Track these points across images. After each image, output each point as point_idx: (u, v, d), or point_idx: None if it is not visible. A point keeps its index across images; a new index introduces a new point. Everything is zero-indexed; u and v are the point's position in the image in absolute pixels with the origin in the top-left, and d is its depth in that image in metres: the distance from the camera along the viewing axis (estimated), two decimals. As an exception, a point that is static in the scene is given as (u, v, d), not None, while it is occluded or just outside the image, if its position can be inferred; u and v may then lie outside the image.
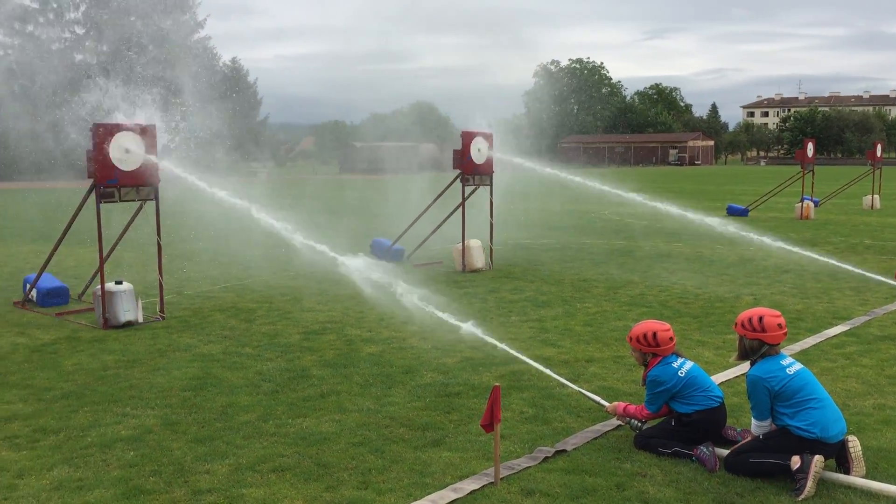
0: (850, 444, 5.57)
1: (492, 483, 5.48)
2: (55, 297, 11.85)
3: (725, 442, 6.11)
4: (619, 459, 5.92)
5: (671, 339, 6.31)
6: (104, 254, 10.75)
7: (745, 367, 6.09)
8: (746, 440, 5.84)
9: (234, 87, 70.38)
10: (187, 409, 7.10)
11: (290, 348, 9.24)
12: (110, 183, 10.31)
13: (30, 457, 6.04)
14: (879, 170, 31.01)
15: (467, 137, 14.91)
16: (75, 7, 65.96)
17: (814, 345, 9.30)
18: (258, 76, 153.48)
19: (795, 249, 14.64)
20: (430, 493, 5.35)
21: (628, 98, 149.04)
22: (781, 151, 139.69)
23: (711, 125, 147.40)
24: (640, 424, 6.27)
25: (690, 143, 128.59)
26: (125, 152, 10.35)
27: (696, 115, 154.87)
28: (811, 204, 26.92)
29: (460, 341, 9.38)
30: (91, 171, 10.29)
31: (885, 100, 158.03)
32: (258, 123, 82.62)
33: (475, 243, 15.19)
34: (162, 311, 11.05)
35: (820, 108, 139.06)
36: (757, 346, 5.79)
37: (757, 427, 5.78)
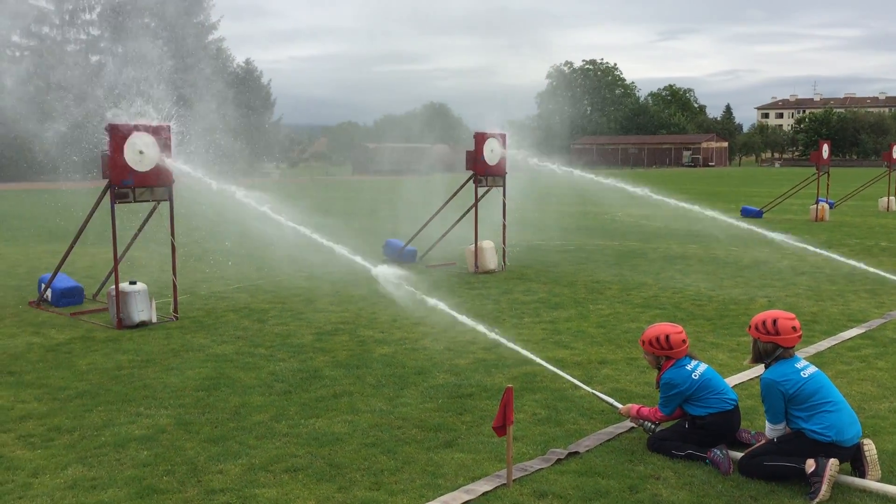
0: (866, 448, 5.53)
1: (504, 485, 5.47)
2: (70, 297, 11.92)
3: (739, 445, 6.08)
4: (633, 462, 5.90)
5: (684, 341, 6.27)
6: (118, 254, 10.80)
7: (759, 369, 6.06)
8: (761, 443, 5.80)
9: (247, 88, 70.60)
10: (200, 409, 7.12)
11: (303, 349, 9.26)
12: (125, 183, 10.37)
13: (44, 456, 6.07)
14: (895, 171, 30.78)
15: (480, 138, 14.90)
16: (90, 9, 66.38)
17: (829, 347, 9.24)
18: (272, 77, 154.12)
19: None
20: (442, 495, 5.34)
21: (642, 99, 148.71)
22: (796, 153, 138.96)
23: (725, 126, 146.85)
24: (653, 427, 6.25)
25: (704, 145, 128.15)
26: (139, 153, 10.41)
27: (710, 116, 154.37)
28: (826, 206, 26.76)
29: (473, 342, 9.38)
30: (106, 171, 10.35)
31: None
32: (272, 124, 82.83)
33: (488, 244, 15.18)
34: (176, 311, 11.10)
35: (835, 110, 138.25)
36: (771, 350, 5.75)
37: (771, 430, 5.74)
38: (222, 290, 13.29)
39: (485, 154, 14.92)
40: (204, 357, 8.93)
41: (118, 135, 10.22)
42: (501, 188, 15.57)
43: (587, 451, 6.11)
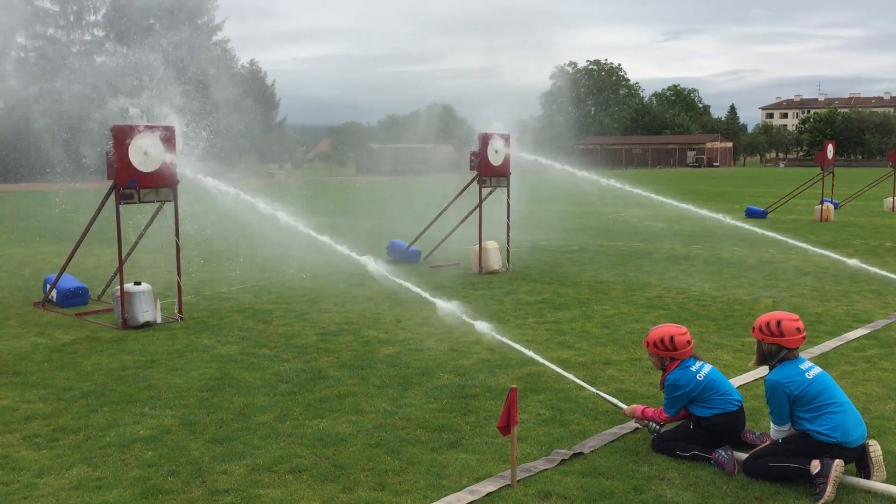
0: (871, 449, 5.51)
1: (508, 485, 5.47)
2: (75, 298, 11.95)
3: (744, 445, 6.07)
4: (637, 462, 5.90)
5: (689, 342, 6.27)
6: (123, 255, 10.82)
7: (763, 370, 6.05)
8: (765, 444, 5.79)
9: (252, 89, 70.69)
10: (205, 410, 7.13)
11: (307, 349, 9.27)
12: (130, 184, 10.39)
13: (49, 456, 6.09)
14: (900, 171, 30.70)
15: (484, 139, 14.90)
16: (95, 10, 66.55)
17: (833, 348, 9.22)
18: (276, 78, 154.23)
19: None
20: (446, 495, 5.34)
21: (646, 99, 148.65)
22: (801, 153, 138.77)
23: (730, 127, 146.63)
24: (658, 427, 6.24)
25: (709, 145, 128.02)
26: (144, 154, 10.42)
27: (715, 116, 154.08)
28: (831, 206, 26.72)
29: (477, 343, 9.38)
30: (111, 172, 10.37)
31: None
32: (276, 125, 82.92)
33: (492, 245, 15.18)
34: (180, 311, 11.12)
35: (840, 110, 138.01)
36: (775, 351, 5.74)
37: (776, 432, 5.73)
38: (227, 290, 13.30)
39: (489, 154, 14.91)
40: (208, 357, 8.94)
41: (123, 135, 10.24)
42: (506, 188, 15.56)
43: (591, 451, 6.10)
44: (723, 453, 5.75)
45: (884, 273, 13.66)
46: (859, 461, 5.53)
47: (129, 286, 10.49)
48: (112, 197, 10.55)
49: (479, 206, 15.38)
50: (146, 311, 10.52)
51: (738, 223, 15.58)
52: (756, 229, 15.93)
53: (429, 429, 6.60)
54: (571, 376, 7.49)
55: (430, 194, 22.50)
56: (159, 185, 10.66)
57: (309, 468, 5.81)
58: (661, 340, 6.23)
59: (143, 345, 9.56)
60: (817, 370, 5.72)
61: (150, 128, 10.50)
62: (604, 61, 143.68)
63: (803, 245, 15.23)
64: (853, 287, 13.15)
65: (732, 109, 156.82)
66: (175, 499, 5.34)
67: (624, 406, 6.63)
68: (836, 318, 10.83)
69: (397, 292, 12.17)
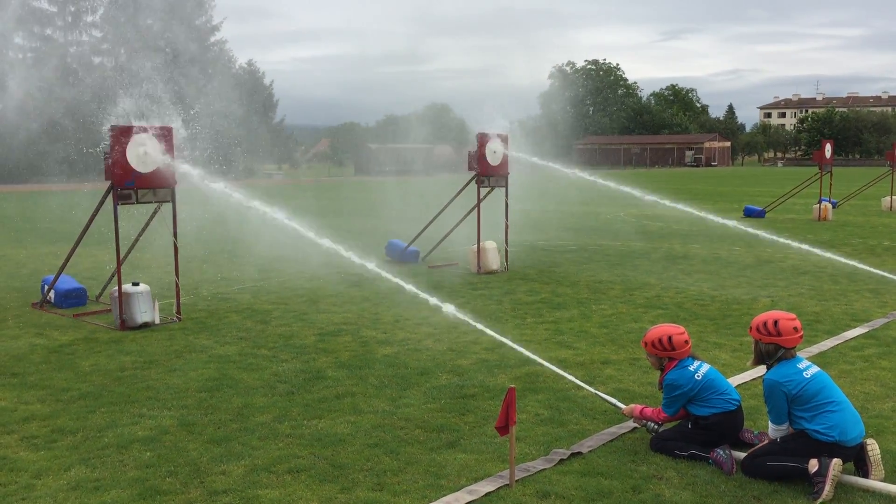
0: (869, 448, 5.52)
1: (507, 485, 5.47)
2: (73, 299, 11.94)
3: (742, 445, 6.07)
4: (635, 462, 5.90)
5: (686, 342, 6.27)
6: (121, 255, 10.81)
7: (761, 369, 6.05)
8: (764, 443, 5.80)
9: (250, 89, 70.66)
10: (203, 410, 7.13)
11: (306, 350, 9.26)
12: (128, 185, 10.38)
13: (47, 457, 6.08)
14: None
15: (482, 139, 14.90)
16: (93, 10, 66.48)
17: (832, 347, 9.23)
18: (274, 78, 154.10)
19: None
20: (445, 495, 5.34)
21: (644, 99, 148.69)
22: (799, 153, 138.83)
23: (728, 126, 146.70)
24: (656, 427, 6.24)
25: (707, 145, 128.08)
26: (142, 154, 10.41)
27: (713, 116, 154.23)
28: (829, 205, 26.75)
29: (475, 343, 9.38)
30: (108, 173, 10.36)
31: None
32: (274, 126, 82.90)
33: (491, 245, 15.18)
34: (178, 312, 11.11)
35: (838, 109, 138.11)
36: (773, 351, 5.75)
37: (774, 431, 5.73)
38: (225, 291, 13.29)
39: (487, 154, 14.91)
40: (207, 358, 8.93)
41: (121, 136, 10.23)
42: (504, 188, 15.56)
43: (590, 451, 6.10)
44: (721, 452, 5.75)
45: (881, 273, 13.67)
46: (857, 460, 5.54)
47: (127, 287, 10.48)
48: (110, 197, 10.54)
49: (478, 206, 15.37)
50: (144, 311, 10.51)
51: (725, 221, 15.53)
52: (733, 224, 15.93)
53: (427, 429, 6.60)
54: (570, 376, 7.49)
55: (428, 194, 22.50)
56: (157, 185, 10.65)
57: (307, 468, 5.80)
58: (659, 340, 6.23)
59: (141, 345, 9.55)
60: (815, 369, 5.72)
61: (149, 128, 10.49)
62: (602, 61, 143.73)
63: (782, 240, 15.21)
64: (851, 286, 13.16)
65: (731, 109, 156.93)
66: (173, 499, 5.34)
67: (622, 406, 6.64)
68: (834, 317, 10.84)
69: (395, 292, 12.18)
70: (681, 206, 15.94)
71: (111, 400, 7.44)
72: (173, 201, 10.89)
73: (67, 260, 11.75)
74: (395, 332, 10.14)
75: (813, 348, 9.11)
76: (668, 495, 5.33)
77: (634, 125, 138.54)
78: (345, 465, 5.85)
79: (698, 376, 6.12)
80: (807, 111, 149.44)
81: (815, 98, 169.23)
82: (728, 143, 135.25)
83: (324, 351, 9.19)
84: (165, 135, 10.63)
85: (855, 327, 10.21)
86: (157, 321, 10.69)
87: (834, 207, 28.63)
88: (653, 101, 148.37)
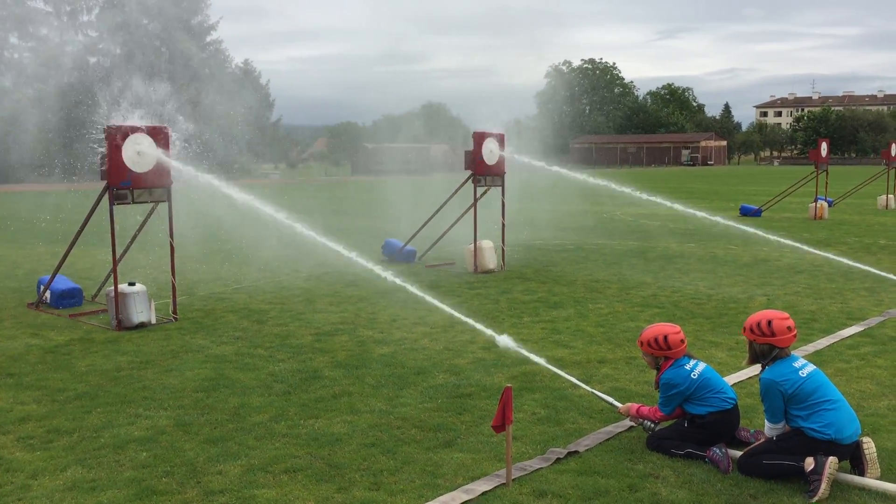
0: (865, 446, 5.53)
1: (503, 484, 5.47)
2: (69, 299, 11.92)
3: (738, 443, 6.08)
4: (632, 461, 5.90)
5: (682, 341, 6.27)
6: (117, 255, 10.80)
7: (757, 368, 6.06)
8: (760, 442, 5.81)
9: (246, 88, 70.55)
10: (200, 410, 7.12)
11: (303, 349, 9.26)
12: (123, 185, 10.36)
13: (43, 457, 6.07)
14: (894, 169, 30.80)
15: (479, 138, 14.90)
16: (88, 10, 66.34)
17: (828, 345, 9.24)
18: (270, 78, 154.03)
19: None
20: (441, 495, 5.34)
21: (640, 98, 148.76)
22: (795, 151, 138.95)
23: (724, 125, 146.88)
24: (652, 426, 6.25)
25: (703, 144, 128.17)
26: (138, 154, 10.40)
27: (709, 115, 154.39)
28: (825, 204, 26.79)
29: (472, 342, 9.39)
30: (104, 173, 10.34)
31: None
32: (271, 125, 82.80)
33: (487, 244, 15.18)
34: (175, 312, 11.10)
35: (834, 108, 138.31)
36: (767, 351, 5.75)
37: (770, 429, 5.74)
38: (221, 290, 13.28)
39: (483, 154, 14.92)
40: (203, 358, 8.92)
41: (116, 136, 10.21)
42: (500, 188, 15.57)
43: (586, 450, 6.11)
44: (717, 451, 5.76)
45: (877, 271, 13.70)
46: (853, 458, 5.55)
47: (123, 287, 10.47)
48: (106, 197, 10.52)
49: (474, 205, 15.38)
50: (140, 311, 10.50)
51: (719, 219, 15.57)
52: (721, 221, 15.94)
53: (424, 428, 6.60)
54: (567, 375, 7.49)
55: (424, 194, 22.50)
56: (153, 185, 10.63)
57: (304, 468, 5.80)
58: (655, 340, 6.24)
59: (137, 346, 9.54)
60: (811, 367, 5.73)
61: (144, 128, 10.47)
62: (598, 60, 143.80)
63: (769, 236, 15.23)
64: (847, 285, 13.19)
65: (727, 108, 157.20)
66: (170, 500, 5.33)
67: (619, 404, 6.64)
68: (830, 315, 10.86)
69: (392, 292, 12.18)
70: (664, 203, 15.94)
71: (107, 400, 7.43)
72: (169, 201, 10.88)
73: (63, 260, 11.72)
74: (392, 331, 10.14)
75: (809, 347, 9.13)
76: (664, 494, 5.34)
77: (631, 124, 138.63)
78: (341, 465, 5.85)
79: (694, 375, 6.13)
80: (803, 110, 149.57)
81: (811, 97, 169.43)
82: (724, 142, 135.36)
83: (320, 351, 9.19)
84: (161, 134, 10.62)
85: (851, 326, 10.23)
86: (154, 321, 10.68)
87: (830, 206, 28.67)
88: (649, 101, 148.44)
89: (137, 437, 6.47)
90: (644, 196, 15.55)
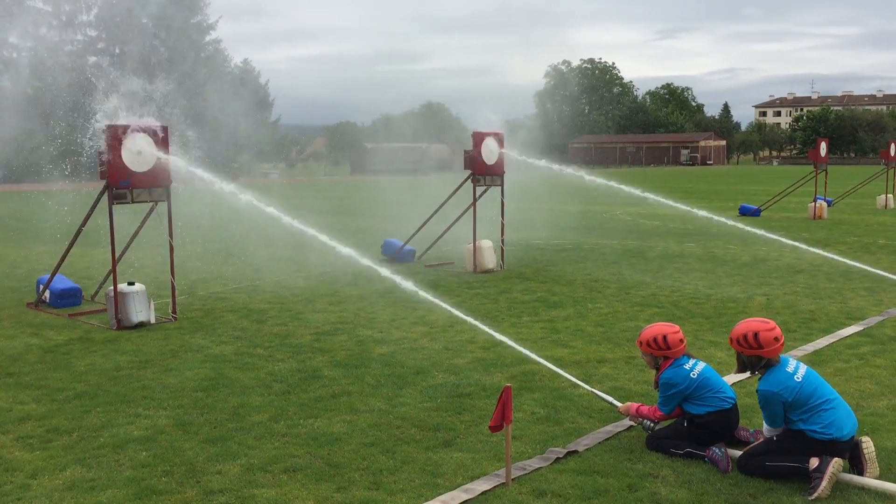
0: (864, 445, 5.52)
1: (503, 484, 5.47)
2: (68, 298, 11.91)
3: (738, 443, 6.08)
4: (632, 460, 5.90)
5: (682, 340, 6.27)
6: (116, 255, 10.79)
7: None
8: (759, 441, 5.80)
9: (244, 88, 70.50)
10: (199, 410, 7.12)
11: (302, 349, 9.25)
12: (122, 184, 10.36)
13: (43, 457, 6.07)
14: (893, 169, 30.82)
15: (478, 138, 14.90)
16: (87, 10, 66.31)
17: (827, 345, 9.24)
18: (270, 78, 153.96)
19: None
20: (441, 494, 5.34)
21: (640, 98, 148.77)
22: (794, 151, 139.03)
23: (723, 125, 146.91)
24: (652, 425, 6.25)
25: (702, 143, 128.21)
26: (137, 154, 10.39)
27: (708, 114, 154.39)
28: (824, 204, 26.79)
29: (471, 342, 9.39)
30: (103, 172, 10.34)
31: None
32: (270, 125, 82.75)
33: (486, 244, 15.18)
34: (174, 311, 11.09)
35: (833, 108, 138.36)
36: (756, 361, 5.73)
37: (769, 431, 5.74)
38: (221, 290, 13.28)
39: (483, 153, 14.92)
40: (202, 357, 8.92)
41: (116, 135, 10.21)
42: (500, 187, 15.56)
43: (586, 449, 6.11)
44: (717, 451, 5.76)
45: (876, 271, 13.70)
46: (852, 458, 5.54)
47: (122, 286, 10.47)
48: (105, 197, 10.52)
49: (474, 204, 15.38)
50: (140, 311, 10.49)
51: (715, 216, 15.56)
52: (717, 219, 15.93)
53: (423, 428, 6.60)
54: (566, 374, 7.50)
55: (424, 193, 22.50)
56: (152, 185, 10.63)
57: (303, 468, 5.80)
58: (654, 339, 6.24)
59: (136, 345, 9.54)
60: (803, 369, 5.70)
61: (143, 128, 10.46)
62: (598, 60, 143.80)
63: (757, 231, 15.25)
64: (846, 284, 13.19)
65: (726, 108, 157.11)
66: (169, 499, 5.33)
67: (619, 404, 6.64)
68: (829, 315, 10.86)
69: (391, 291, 12.19)
70: (666, 203, 15.96)
71: (107, 400, 7.43)
72: (168, 200, 10.88)
73: (62, 259, 11.72)
74: (391, 331, 10.14)
75: (808, 346, 9.13)
76: (664, 493, 5.34)
77: (630, 124, 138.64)
78: (341, 465, 5.85)
79: (694, 375, 6.13)
80: (802, 110, 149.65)
81: (810, 97, 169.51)
82: (723, 142, 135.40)
83: (320, 350, 9.19)
84: (160, 134, 10.61)
85: (850, 325, 10.23)
86: (153, 321, 10.67)
87: (829, 206, 28.68)
88: (648, 100, 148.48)
89: (137, 436, 6.47)
90: (653, 198, 15.55)
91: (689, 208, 16.07)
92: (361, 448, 6.16)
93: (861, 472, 5.48)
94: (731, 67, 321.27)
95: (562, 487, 5.43)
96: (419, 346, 9.35)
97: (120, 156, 10.24)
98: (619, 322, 10.59)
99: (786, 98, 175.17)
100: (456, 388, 7.65)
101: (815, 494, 5.17)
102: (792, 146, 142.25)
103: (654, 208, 29.03)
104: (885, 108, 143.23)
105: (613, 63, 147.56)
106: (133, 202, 10.60)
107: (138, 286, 10.59)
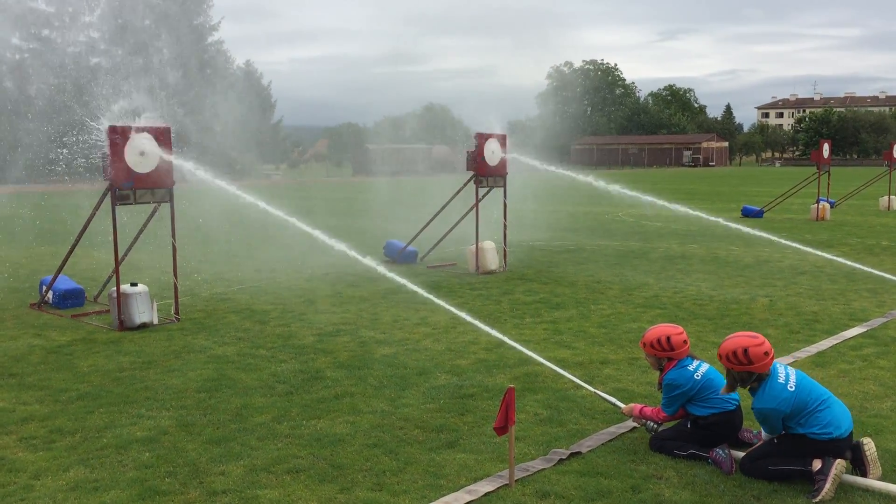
0: (866, 447, 5.51)
1: (506, 485, 5.47)
2: (71, 299, 11.92)
3: (741, 444, 6.07)
4: (635, 462, 5.90)
5: (685, 342, 6.27)
6: (119, 256, 10.80)
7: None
8: (761, 443, 5.79)
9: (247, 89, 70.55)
10: (202, 411, 7.12)
11: (305, 350, 9.25)
12: (126, 185, 10.37)
13: (46, 458, 6.07)
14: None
15: (481, 139, 14.90)
16: (91, 11, 66.37)
17: (830, 347, 9.23)
18: (272, 79, 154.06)
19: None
20: (444, 495, 5.34)
21: (642, 99, 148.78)
22: (796, 152, 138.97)
23: (726, 126, 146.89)
24: (655, 426, 6.24)
25: (704, 145, 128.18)
26: (140, 155, 10.40)
27: (711, 116, 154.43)
28: (827, 205, 26.78)
29: (474, 343, 9.38)
30: (106, 173, 10.34)
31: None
32: (272, 126, 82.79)
33: (489, 245, 15.17)
34: (177, 312, 11.10)
35: (835, 109, 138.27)
36: (747, 377, 5.68)
37: (768, 435, 5.74)
38: (223, 291, 13.28)
39: (485, 155, 14.92)
40: (205, 358, 8.92)
41: (119, 136, 10.21)
42: (502, 189, 15.56)
43: (589, 451, 6.10)
44: (720, 452, 5.76)
45: (879, 272, 13.68)
46: (855, 459, 5.53)
47: (125, 287, 10.47)
48: (108, 198, 10.52)
49: (476, 206, 15.38)
50: (143, 312, 10.50)
51: (731, 224, 15.57)
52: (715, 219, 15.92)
53: (426, 429, 6.60)
54: (569, 375, 7.49)
55: (426, 195, 22.50)
56: (155, 186, 10.63)
57: (306, 469, 5.80)
58: (658, 341, 6.23)
59: (139, 346, 9.54)
60: (794, 375, 5.64)
61: (147, 129, 10.47)
62: (600, 61, 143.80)
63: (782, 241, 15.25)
64: (850, 286, 13.17)
65: (728, 109, 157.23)
66: (172, 500, 5.33)
67: (622, 405, 6.63)
68: (832, 316, 10.85)
69: (394, 292, 12.19)
70: (669, 206, 15.94)
71: (110, 400, 7.43)
72: (171, 201, 10.88)
73: (66, 260, 11.73)
74: (394, 332, 10.14)
75: (811, 348, 9.12)
76: (667, 495, 5.33)
77: (632, 125, 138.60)
78: (344, 466, 5.84)
79: (697, 376, 6.12)
80: (804, 111, 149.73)
81: (812, 98, 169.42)
82: (726, 144, 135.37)
83: (322, 351, 9.19)
84: (163, 135, 10.62)
85: (853, 327, 10.21)
86: (156, 322, 10.68)
87: (832, 207, 28.66)
88: (650, 102, 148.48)
89: (140, 437, 6.47)
90: (660, 202, 15.54)
91: (689, 210, 16.04)
92: (364, 449, 6.16)
93: (864, 474, 5.47)
94: (732, 69, 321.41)
95: (565, 489, 5.42)
96: (422, 347, 9.34)
97: (123, 157, 10.25)
98: (622, 323, 10.58)
99: (788, 99, 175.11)
100: (459, 389, 7.65)
101: (819, 497, 5.16)
102: (794, 147, 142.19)
103: (656, 209, 29.00)
104: (887, 109, 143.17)
105: (615, 64, 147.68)
106: (136, 203, 10.61)
107: (141, 287, 10.60)
